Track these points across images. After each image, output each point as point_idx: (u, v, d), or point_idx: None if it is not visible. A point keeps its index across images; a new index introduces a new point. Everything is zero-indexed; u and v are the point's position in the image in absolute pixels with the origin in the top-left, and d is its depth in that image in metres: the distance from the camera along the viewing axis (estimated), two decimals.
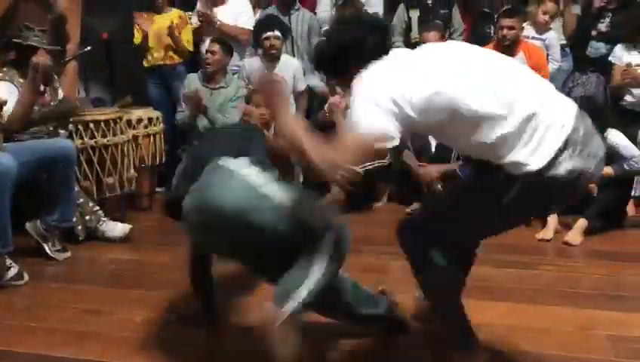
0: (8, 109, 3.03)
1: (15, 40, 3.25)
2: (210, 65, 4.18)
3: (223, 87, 4.24)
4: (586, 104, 3.48)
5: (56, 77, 3.50)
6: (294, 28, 4.62)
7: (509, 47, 4.10)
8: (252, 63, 4.46)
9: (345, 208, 3.70)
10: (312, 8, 4.85)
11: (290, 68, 4.46)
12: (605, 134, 3.37)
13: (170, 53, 4.53)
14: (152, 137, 4.04)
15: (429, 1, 4.70)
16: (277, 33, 4.32)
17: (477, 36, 4.70)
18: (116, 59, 4.73)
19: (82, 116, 3.54)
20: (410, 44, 4.67)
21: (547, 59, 4.36)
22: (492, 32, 4.56)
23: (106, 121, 3.60)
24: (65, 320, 2.50)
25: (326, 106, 3.98)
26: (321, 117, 3.97)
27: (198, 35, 4.57)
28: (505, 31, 4.07)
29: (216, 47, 4.19)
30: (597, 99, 4.11)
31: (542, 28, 4.48)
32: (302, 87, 4.53)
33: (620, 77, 4.10)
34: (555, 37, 4.50)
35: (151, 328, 2.41)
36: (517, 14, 4.18)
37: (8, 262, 2.85)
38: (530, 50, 4.15)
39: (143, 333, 2.35)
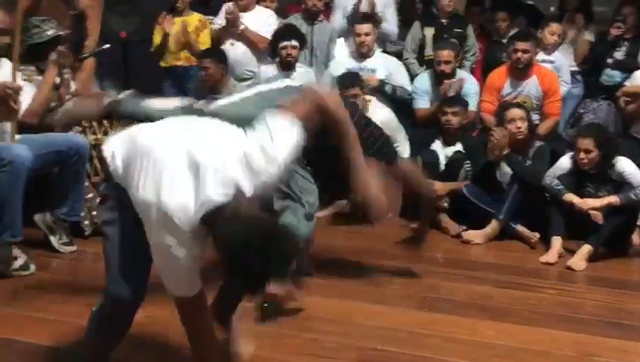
0: (25, 103, 3.07)
1: (32, 42, 3.27)
2: (207, 81, 4.17)
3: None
4: (596, 131, 3.52)
5: (69, 70, 3.54)
6: (316, 38, 4.66)
7: (523, 70, 4.13)
8: (267, 71, 4.50)
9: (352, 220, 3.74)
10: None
11: (304, 78, 4.48)
12: (614, 161, 3.39)
13: (187, 54, 4.58)
14: None
15: (444, 20, 4.75)
16: (294, 43, 4.36)
17: (491, 61, 4.75)
18: (133, 58, 4.78)
19: None
20: (424, 62, 4.72)
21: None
22: (506, 56, 4.59)
23: None
24: (68, 313, 2.52)
25: None
26: None
27: (217, 40, 4.62)
28: (519, 54, 4.10)
29: (207, 62, 4.14)
30: (607, 127, 4.12)
31: (550, 49, 4.51)
32: None
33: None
34: (562, 58, 4.53)
35: (153, 325, 2.43)
36: (531, 37, 4.21)
37: (16, 251, 2.88)
38: (543, 74, 4.18)
39: (145, 330, 2.36)
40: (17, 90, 2.91)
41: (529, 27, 4.89)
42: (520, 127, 3.69)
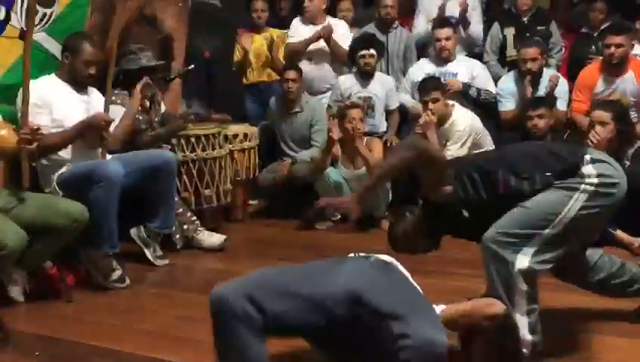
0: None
1: (127, 68, 3.48)
2: (293, 92, 4.29)
3: (299, 112, 4.34)
4: None
5: (159, 93, 3.71)
6: (391, 47, 4.64)
7: (617, 66, 3.90)
8: (346, 80, 4.51)
9: None
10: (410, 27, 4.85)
11: (384, 85, 4.49)
12: None
13: (268, 70, 4.68)
14: (246, 152, 4.18)
15: (525, 19, 4.57)
16: (372, 51, 4.36)
17: (578, 57, 4.51)
18: (216, 76, 4.94)
19: (184, 131, 3.72)
20: (506, 63, 4.56)
21: None
22: (595, 51, 4.35)
23: (206, 136, 3.76)
24: (161, 324, 2.60)
25: (417, 125, 3.96)
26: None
27: (290, 56, 4.68)
28: (612, 49, 3.87)
29: (295, 75, 4.29)
30: None
31: None
32: (394, 104, 4.53)
33: None
34: None
35: None
36: (625, 30, 3.96)
37: (114, 264, 3.03)
38: None
39: None
40: (109, 123, 3.09)
41: (623, 20, 4.61)
42: (601, 131, 3.37)
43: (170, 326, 2.58)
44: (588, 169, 1.99)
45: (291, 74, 4.31)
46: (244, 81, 4.78)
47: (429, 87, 3.91)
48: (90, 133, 3.05)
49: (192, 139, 3.72)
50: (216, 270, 3.34)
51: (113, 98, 3.29)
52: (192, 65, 4.11)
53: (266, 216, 4.32)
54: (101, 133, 3.07)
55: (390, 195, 3.98)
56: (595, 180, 1.98)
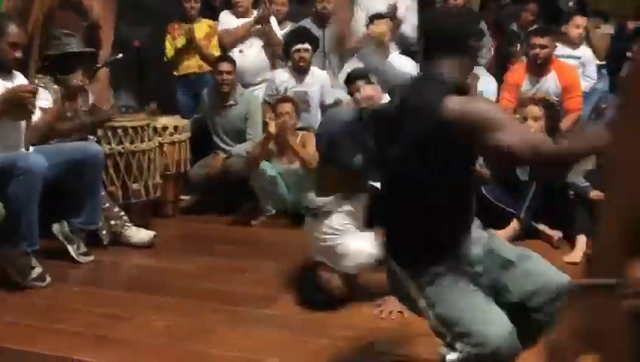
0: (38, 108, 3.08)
1: (52, 53, 3.35)
2: (228, 85, 4.22)
3: (233, 105, 4.28)
4: None
5: (86, 81, 3.56)
6: (328, 42, 4.63)
7: (541, 67, 4.04)
8: (281, 75, 4.47)
9: None
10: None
11: (319, 80, 4.47)
12: None
13: (199, 62, 4.58)
14: (177, 145, 4.06)
15: None
16: (307, 46, 4.33)
17: (503, 55, 4.67)
18: (146, 66, 4.79)
19: (111, 122, 3.58)
20: None
21: (582, 76, 4.27)
22: (517, 49, 4.50)
23: (134, 128, 3.63)
24: (85, 323, 2.50)
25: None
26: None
27: (223, 48, 4.61)
28: (537, 50, 4.01)
29: (229, 67, 4.21)
30: None
31: (576, 42, 4.40)
32: (330, 100, 4.53)
33: None
34: (590, 53, 4.42)
35: (169, 335, 2.40)
36: (549, 32, 4.12)
37: (33, 261, 2.88)
38: (563, 70, 4.08)
39: (161, 340, 2.34)
40: (34, 93, 2.90)
41: (549, 23, 4.80)
42: (533, 127, 3.56)
43: (92, 326, 2.47)
44: None
45: (225, 66, 4.23)
46: (175, 72, 4.64)
47: (355, 77, 3.95)
48: (13, 103, 2.84)
49: (120, 131, 3.58)
50: (145, 267, 3.25)
51: (37, 82, 3.13)
52: (121, 55, 3.96)
53: (198, 211, 4.23)
54: (25, 104, 2.87)
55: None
56: None
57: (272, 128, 3.83)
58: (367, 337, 2.38)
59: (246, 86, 4.49)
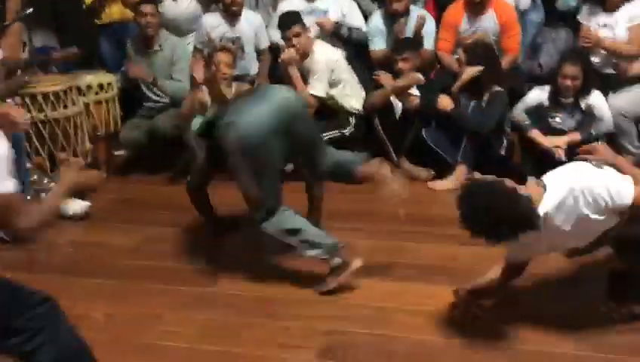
0: None
1: None
2: (151, 28, 3.96)
3: (158, 50, 4.05)
4: (583, 58, 3.50)
5: None
6: None
7: (479, 5, 3.95)
8: (212, 19, 4.21)
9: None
10: None
11: (252, 24, 4.25)
12: (591, 91, 3.46)
13: (122, 9, 4.26)
14: (104, 104, 3.84)
15: None
16: None
17: None
18: (65, 17, 4.42)
19: (30, 88, 3.32)
20: None
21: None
22: None
23: (55, 93, 3.39)
24: None
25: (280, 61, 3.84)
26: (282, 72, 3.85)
27: None
28: None
29: (152, 9, 3.96)
30: None
31: None
32: (264, 43, 4.33)
33: (580, 41, 3.84)
34: None
35: (112, 327, 2.35)
36: None
37: None
38: (501, 7, 3.99)
39: (103, 335, 2.26)
40: None
41: None
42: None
43: None
44: None
45: (147, 8, 3.95)
46: (98, 21, 4.31)
47: (289, 21, 3.78)
48: None
49: (40, 98, 3.34)
50: (81, 243, 3.14)
51: None
52: (31, 9, 3.61)
53: (134, 169, 4.06)
54: None
55: None
56: None
57: (199, 76, 3.59)
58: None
59: (183, 35, 4.23)
